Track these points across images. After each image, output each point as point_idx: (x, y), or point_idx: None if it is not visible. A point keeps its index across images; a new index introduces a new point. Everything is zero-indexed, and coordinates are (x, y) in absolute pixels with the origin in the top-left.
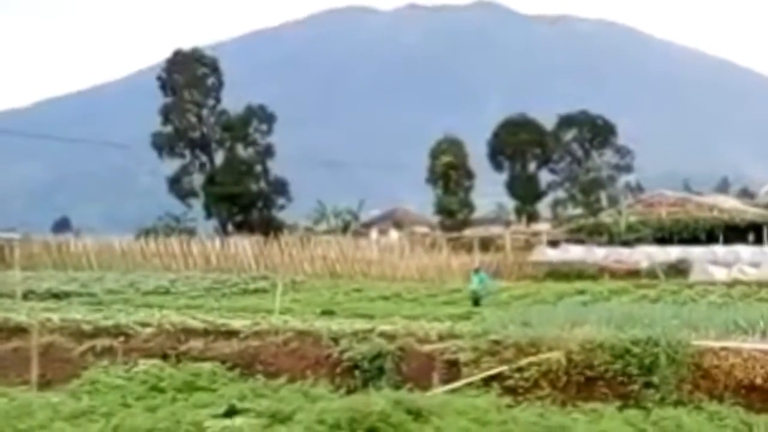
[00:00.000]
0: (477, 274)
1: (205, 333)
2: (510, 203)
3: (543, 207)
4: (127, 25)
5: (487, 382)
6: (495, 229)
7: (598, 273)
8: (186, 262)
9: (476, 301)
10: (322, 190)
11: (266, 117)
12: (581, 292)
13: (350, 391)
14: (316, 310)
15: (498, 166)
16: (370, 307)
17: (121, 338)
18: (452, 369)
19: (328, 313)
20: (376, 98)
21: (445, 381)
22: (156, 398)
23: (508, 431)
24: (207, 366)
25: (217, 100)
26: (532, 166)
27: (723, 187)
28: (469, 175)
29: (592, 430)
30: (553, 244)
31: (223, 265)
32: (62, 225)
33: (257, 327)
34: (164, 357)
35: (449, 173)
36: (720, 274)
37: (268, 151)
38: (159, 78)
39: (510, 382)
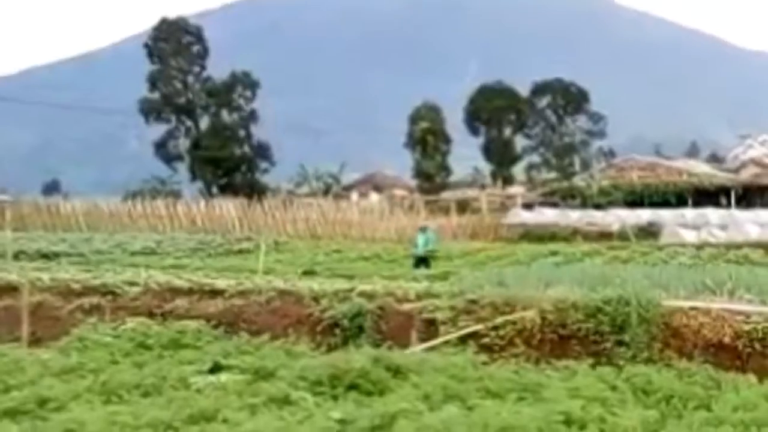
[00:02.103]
0: (424, 233)
1: (191, 292)
2: (486, 167)
3: (518, 171)
4: None
5: (464, 340)
6: (471, 192)
7: (571, 235)
8: (172, 223)
9: (419, 263)
10: (304, 155)
11: (250, 83)
12: (555, 254)
13: (331, 349)
14: (298, 270)
15: (474, 132)
16: (350, 268)
17: (109, 297)
18: (430, 327)
19: (309, 273)
20: (357, 66)
21: (423, 339)
22: (143, 355)
23: (484, 388)
24: (192, 324)
25: (202, 67)
26: (507, 132)
27: (692, 152)
28: (447, 139)
29: (566, 386)
30: (528, 206)
31: (208, 227)
32: (52, 187)
33: (241, 286)
34: (151, 315)
35: (427, 138)
36: (689, 236)
37: (251, 117)
38: (146, 46)
39: (486, 340)
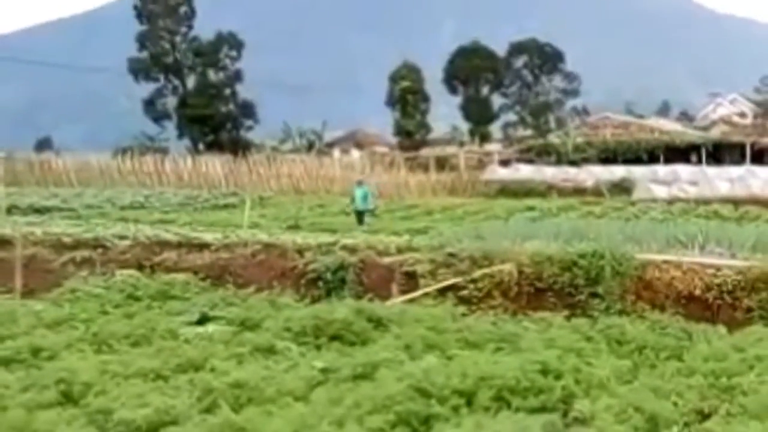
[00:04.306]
0: (360, 187)
1: (178, 245)
2: (464, 125)
3: (495, 129)
4: None
5: (443, 292)
6: (450, 149)
7: (546, 191)
8: (160, 179)
9: (360, 218)
10: (288, 113)
11: (235, 43)
12: (531, 209)
13: (314, 301)
14: (282, 224)
15: (453, 90)
16: (332, 222)
17: (100, 250)
18: (410, 280)
19: (293, 227)
20: (339, 26)
21: (404, 291)
22: (132, 306)
23: (463, 338)
24: (180, 276)
25: (190, 27)
26: (484, 90)
27: (664, 111)
28: (426, 98)
29: (542, 337)
30: (505, 163)
31: (195, 182)
32: (44, 144)
33: (227, 240)
34: (140, 268)
35: (407, 97)
36: (661, 192)
37: (237, 76)
38: (135, 7)
39: (464, 293)
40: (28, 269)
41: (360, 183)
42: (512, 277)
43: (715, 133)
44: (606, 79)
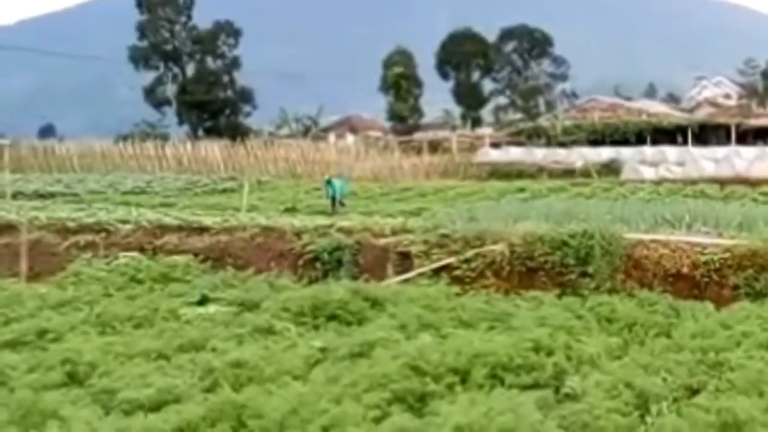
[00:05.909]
0: (341, 179)
1: (179, 229)
2: (456, 109)
3: (486, 112)
4: None
5: (437, 272)
6: (442, 133)
7: (536, 172)
8: (160, 164)
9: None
10: (284, 99)
11: (233, 32)
12: (522, 190)
13: (312, 282)
14: (279, 207)
15: (445, 76)
16: (328, 205)
17: (103, 234)
18: (405, 261)
19: (290, 210)
20: (334, 14)
21: (399, 272)
22: (135, 288)
23: (456, 317)
24: (181, 259)
25: (189, 16)
26: (475, 75)
27: (650, 93)
28: (418, 83)
29: (534, 315)
30: (496, 146)
31: (195, 167)
32: (48, 131)
33: (226, 223)
34: (142, 251)
35: (400, 82)
36: (648, 172)
37: (234, 63)
38: None
39: (458, 273)
40: (33, 253)
41: (336, 177)
42: (504, 257)
43: (701, 115)
44: (594, 63)
